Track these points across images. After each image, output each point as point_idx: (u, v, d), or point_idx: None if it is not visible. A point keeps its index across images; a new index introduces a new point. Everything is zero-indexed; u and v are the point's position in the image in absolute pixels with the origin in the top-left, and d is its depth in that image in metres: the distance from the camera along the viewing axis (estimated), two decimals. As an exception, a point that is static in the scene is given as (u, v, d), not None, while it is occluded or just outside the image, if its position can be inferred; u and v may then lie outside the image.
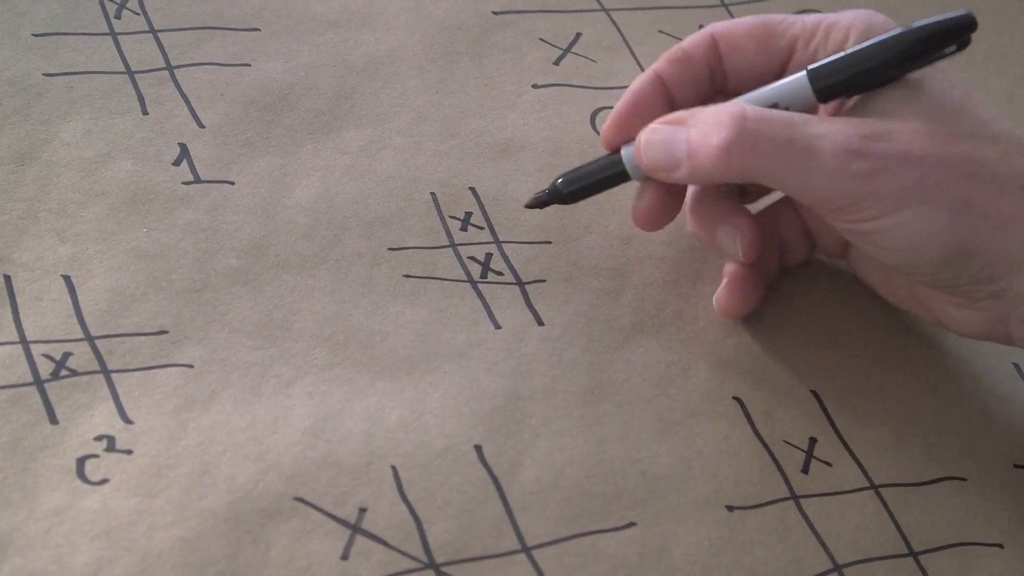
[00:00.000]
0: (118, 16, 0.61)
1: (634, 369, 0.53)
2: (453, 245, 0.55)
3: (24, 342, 0.49)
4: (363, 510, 0.47)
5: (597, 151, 0.57)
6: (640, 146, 0.51)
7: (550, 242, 0.56)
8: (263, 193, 0.56)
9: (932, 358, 0.56)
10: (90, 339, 0.50)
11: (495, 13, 0.64)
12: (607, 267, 0.56)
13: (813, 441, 0.52)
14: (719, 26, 0.54)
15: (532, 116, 0.61)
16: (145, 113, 0.57)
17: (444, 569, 0.46)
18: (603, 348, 0.53)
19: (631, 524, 0.48)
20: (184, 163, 0.56)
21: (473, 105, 0.61)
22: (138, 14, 0.61)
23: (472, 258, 0.55)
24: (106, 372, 0.49)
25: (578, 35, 0.65)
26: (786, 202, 0.56)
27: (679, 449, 0.51)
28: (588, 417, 0.51)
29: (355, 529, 0.46)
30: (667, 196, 0.54)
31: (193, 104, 0.58)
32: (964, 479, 0.52)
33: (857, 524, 0.50)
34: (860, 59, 0.50)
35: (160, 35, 0.60)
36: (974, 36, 0.68)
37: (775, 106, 0.51)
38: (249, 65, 0.60)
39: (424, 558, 0.46)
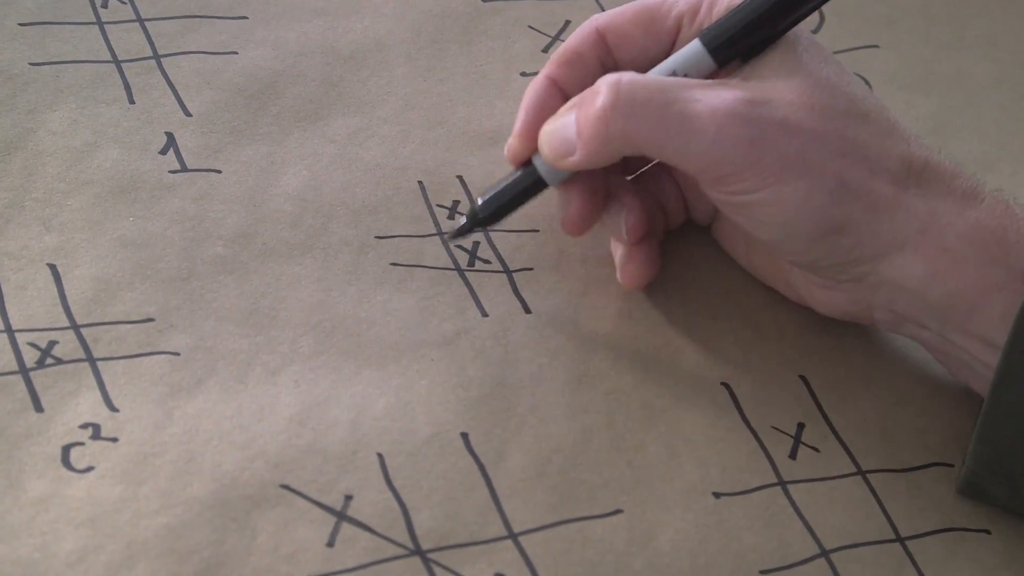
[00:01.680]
0: (104, 5, 0.61)
1: (621, 356, 0.53)
2: (440, 233, 0.55)
3: (9, 331, 0.49)
4: (349, 497, 0.47)
5: None
6: (541, 141, 0.51)
7: (537, 230, 0.56)
8: (250, 181, 0.55)
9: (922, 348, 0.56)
10: (75, 327, 0.50)
11: (484, 0, 0.64)
12: (594, 255, 0.56)
13: (801, 426, 0.52)
14: (602, 18, 0.53)
15: (519, 104, 0.60)
16: (132, 102, 0.57)
17: (430, 556, 0.46)
18: (590, 335, 0.53)
19: (618, 511, 0.48)
20: (171, 152, 0.56)
21: (461, 93, 0.61)
22: (125, 3, 0.61)
23: (459, 246, 0.55)
24: (91, 360, 0.49)
25: (567, 22, 0.65)
26: (662, 167, 0.55)
27: (666, 436, 0.51)
28: (575, 405, 0.51)
29: (341, 516, 0.46)
30: (589, 197, 0.53)
31: (180, 93, 0.58)
32: (951, 465, 0.52)
33: (844, 510, 0.50)
34: (749, 11, 0.50)
35: (147, 24, 0.60)
36: (964, 22, 0.68)
37: (672, 75, 0.51)
38: (236, 53, 0.60)
39: (410, 545, 0.46)
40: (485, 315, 0.53)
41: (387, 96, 0.60)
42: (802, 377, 0.53)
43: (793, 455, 0.51)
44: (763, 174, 0.48)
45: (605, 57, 0.53)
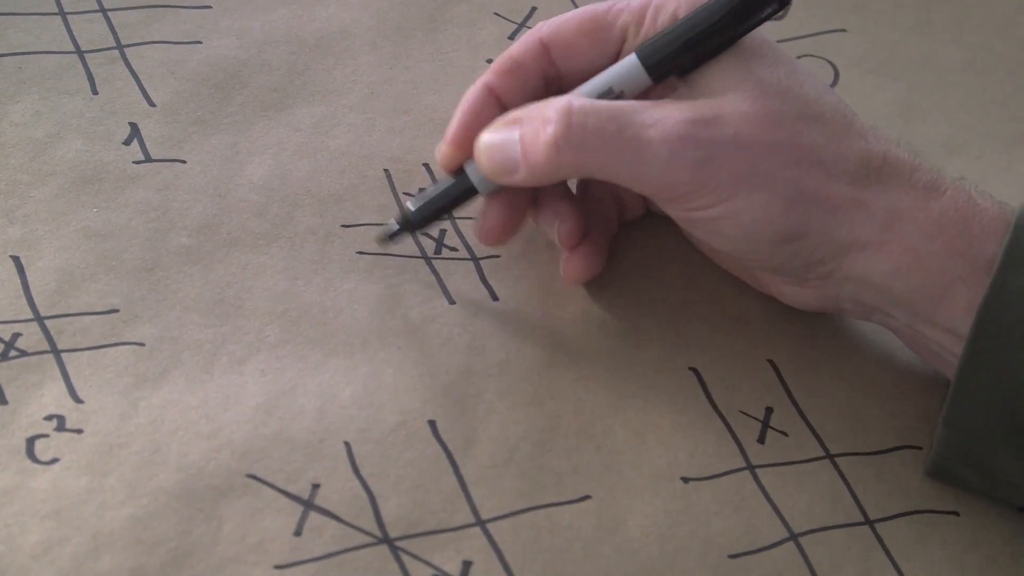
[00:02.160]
0: (67, -5, 0.60)
1: (589, 342, 0.53)
2: None
3: (-28, 323, 0.49)
4: (316, 486, 0.47)
5: None
6: (478, 153, 0.50)
7: None
8: (215, 171, 0.55)
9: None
10: (39, 319, 0.50)
11: (449, -12, 0.64)
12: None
13: (769, 411, 0.52)
14: (546, 28, 0.52)
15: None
16: (95, 92, 0.57)
17: (398, 543, 0.46)
18: (557, 322, 0.53)
19: (586, 497, 0.48)
20: (135, 142, 0.56)
21: (427, 81, 0.60)
22: (87, -8, 0.61)
23: (426, 234, 0.55)
24: (56, 352, 0.49)
25: (533, 9, 0.65)
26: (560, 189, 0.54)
27: (634, 422, 0.50)
28: (542, 391, 0.51)
29: (308, 505, 0.46)
30: (511, 210, 0.52)
31: (144, 83, 0.58)
32: (919, 448, 0.52)
33: (813, 493, 0.50)
34: (686, 29, 0.49)
35: (110, 14, 0.60)
36: (931, 5, 0.68)
37: (610, 91, 0.50)
38: (200, 43, 0.60)
39: (378, 533, 0.46)
40: (452, 303, 0.53)
41: (352, 84, 0.60)
42: (770, 361, 0.53)
43: (762, 439, 0.51)
44: (716, 192, 0.48)
45: (548, 68, 0.52)
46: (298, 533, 0.45)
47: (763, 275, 0.53)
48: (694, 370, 0.52)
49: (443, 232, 0.55)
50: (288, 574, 0.45)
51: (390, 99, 0.59)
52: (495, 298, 0.53)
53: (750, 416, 0.51)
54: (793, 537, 0.48)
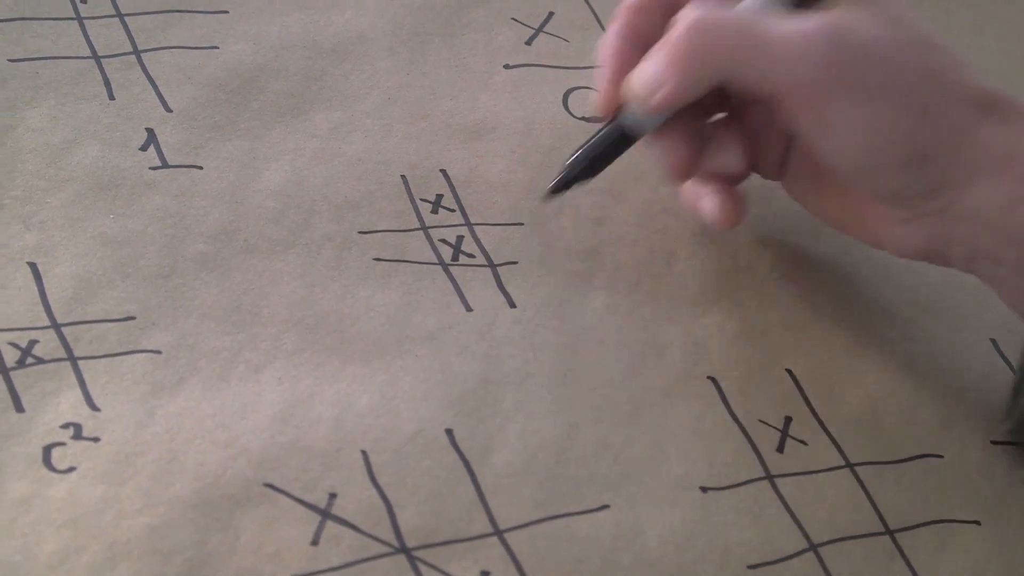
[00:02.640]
0: (84, 0, 0.60)
1: (607, 350, 0.52)
2: (424, 228, 0.55)
3: (-11, 330, 0.49)
4: (333, 495, 0.46)
5: (569, 131, 0.57)
6: (628, 83, 0.51)
7: (522, 224, 0.56)
8: (231, 177, 0.55)
9: (907, 335, 0.56)
10: (56, 326, 0.49)
11: (466, -7, 0.64)
12: (579, 248, 0.55)
13: (788, 420, 0.52)
14: None
15: (504, 97, 0.60)
16: (112, 98, 0.57)
17: (415, 553, 0.46)
18: (576, 330, 0.53)
19: (604, 507, 0.48)
20: (151, 148, 0.55)
21: (444, 86, 0.60)
22: (104, -2, 0.61)
23: (443, 240, 0.55)
24: (72, 359, 0.49)
25: (550, 14, 0.64)
26: (727, 120, 0.55)
27: (652, 431, 0.50)
28: (560, 400, 0.51)
29: (325, 514, 0.46)
30: (688, 141, 0.53)
31: (160, 88, 0.57)
32: (941, 456, 0.52)
33: (833, 503, 0.50)
34: None
35: (127, 19, 0.60)
36: (951, 9, 0.68)
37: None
38: (217, 48, 0.59)
39: (395, 542, 0.46)
40: (469, 310, 0.53)
41: (369, 90, 0.59)
42: (788, 371, 0.53)
43: (780, 449, 0.51)
44: (847, 97, 0.48)
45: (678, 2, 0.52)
46: (315, 543, 0.45)
47: (874, 218, 0.52)
48: (712, 379, 0.52)
49: (460, 239, 0.55)
50: (310, 584, 0.45)
51: (407, 104, 0.59)
52: (512, 305, 0.53)
53: (769, 425, 0.51)
54: (813, 547, 0.48)
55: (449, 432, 0.49)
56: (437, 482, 0.48)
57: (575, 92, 0.61)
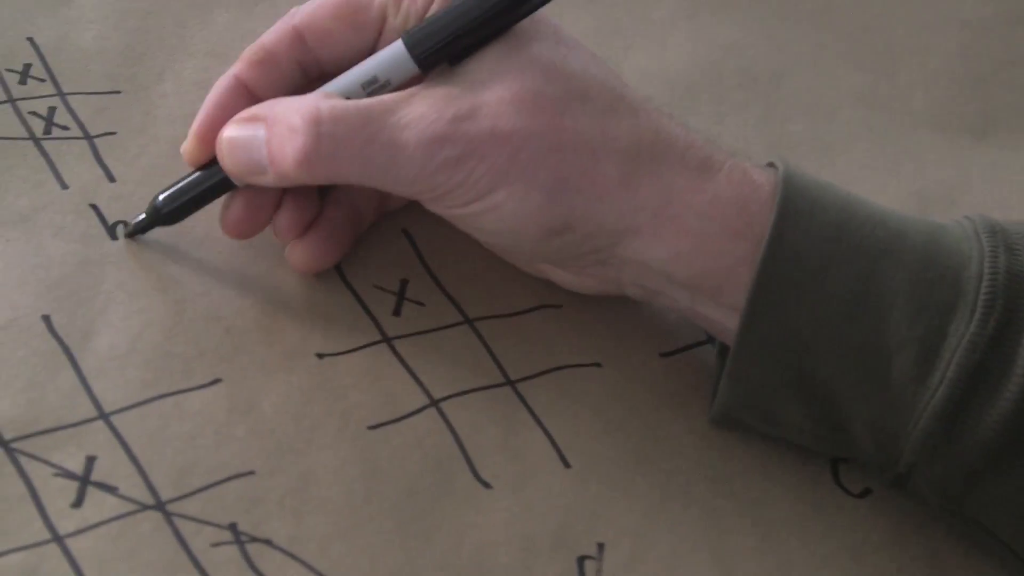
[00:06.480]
0: None
1: (213, 226, 0.51)
2: (12, 100, 0.53)
3: None
4: (-87, 392, 0.44)
5: None
6: (220, 150, 0.48)
7: (120, 92, 0.54)
8: None
9: None
10: None
11: None
12: (183, 113, 0.53)
13: (404, 283, 0.52)
14: (300, 13, 0.49)
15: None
16: None
17: (13, 446, 0.44)
18: (181, 203, 0.52)
19: (216, 380, 0.47)
20: None
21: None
22: None
23: (34, 113, 0.53)
24: None
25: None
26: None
27: (262, 303, 0.50)
28: (165, 277, 0.50)
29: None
30: (259, 201, 0.50)
31: None
32: (560, 306, 0.52)
33: (453, 359, 0.50)
34: (455, 17, 0.47)
35: None
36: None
37: (375, 80, 0.47)
38: None
39: (-10, 436, 0.44)
40: (65, 187, 0.51)
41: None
42: (405, 231, 0.53)
43: (397, 312, 0.51)
44: (475, 188, 0.46)
45: (304, 56, 0.49)
46: None
47: (545, 267, 0.52)
48: None
49: (52, 110, 0.53)
50: None
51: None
52: (112, 179, 0.51)
53: (384, 290, 0.51)
54: (434, 403, 0.49)
55: (46, 318, 0.47)
56: (34, 371, 0.46)
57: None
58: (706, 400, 0.50)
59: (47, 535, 0.43)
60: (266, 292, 0.50)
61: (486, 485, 0.47)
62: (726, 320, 0.47)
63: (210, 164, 0.49)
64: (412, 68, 0.47)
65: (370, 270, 0.52)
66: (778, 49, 0.62)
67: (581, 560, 0.46)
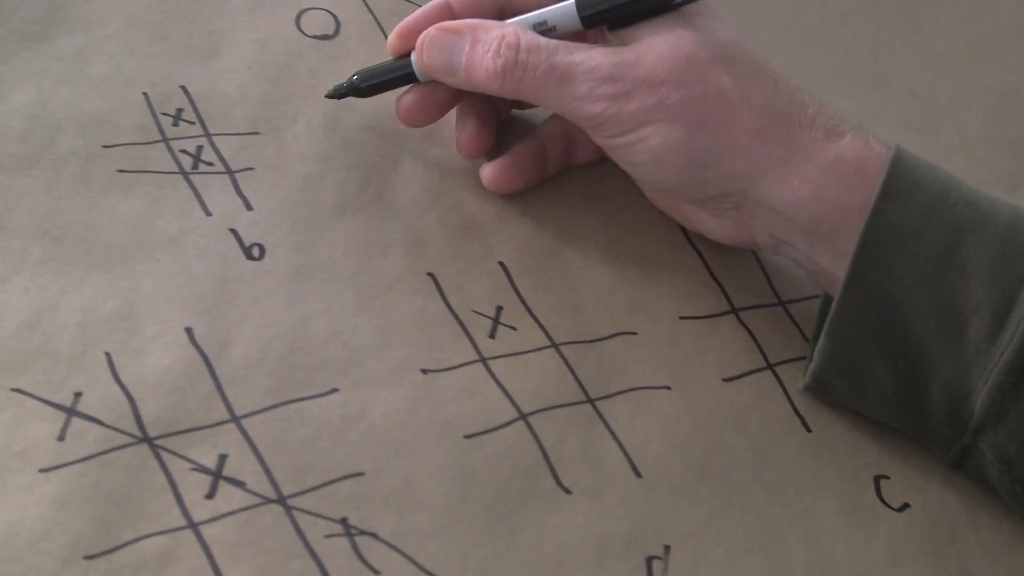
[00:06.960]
0: None
1: (336, 249, 0.55)
2: (165, 140, 0.57)
3: None
4: (78, 394, 0.49)
5: (302, 48, 0.60)
6: (421, 47, 0.56)
7: (258, 132, 0.58)
8: (-24, 100, 0.56)
9: (610, 225, 0.60)
10: None
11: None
12: (312, 153, 0.58)
13: (499, 309, 0.56)
14: None
15: (240, 19, 0.63)
16: None
17: (157, 442, 0.48)
18: (308, 229, 0.56)
19: (334, 390, 0.51)
20: None
21: (183, 10, 0.63)
22: None
23: (184, 151, 0.57)
24: None
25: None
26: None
27: (377, 321, 0.54)
28: (293, 295, 0.53)
29: (70, 412, 0.48)
30: (432, 98, 0.58)
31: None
32: (635, 333, 0.56)
33: (540, 379, 0.54)
34: None
35: None
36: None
37: (544, 23, 0.56)
38: (-40, -26, 0.60)
39: (138, 433, 0.48)
40: (209, 214, 0.55)
41: (111, 15, 0.61)
42: (501, 263, 0.57)
43: (492, 335, 0.55)
44: (627, 122, 0.53)
45: (503, 2, 0.58)
46: (61, 438, 0.47)
47: (688, 211, 0.58)
48: (431, 275, 0.56)
49: (200, 148, 0.57)
50: (53, 476, 0.47)
51: (147, 28, 0.61)
52: (249, 208, 0.56)
53: (482, 314, 0.55)
54: (523, 416, 0.52)
55: (188, 330, 0.51)
56: (177, 377, 0.50)
57: (307, 12, 0.64)
58: (762, 420, 0.54)
59: (183, 522, 0.47)
60: (379, 313, 0.54)
61: (567, 491, 0.51)
62: (838, 268, 0.52)
63: (400, 60, 0.58)
64: (576, 24, 0.56)
65: (470, 297, 0.55)
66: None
67: (649, 560, 0.49)
